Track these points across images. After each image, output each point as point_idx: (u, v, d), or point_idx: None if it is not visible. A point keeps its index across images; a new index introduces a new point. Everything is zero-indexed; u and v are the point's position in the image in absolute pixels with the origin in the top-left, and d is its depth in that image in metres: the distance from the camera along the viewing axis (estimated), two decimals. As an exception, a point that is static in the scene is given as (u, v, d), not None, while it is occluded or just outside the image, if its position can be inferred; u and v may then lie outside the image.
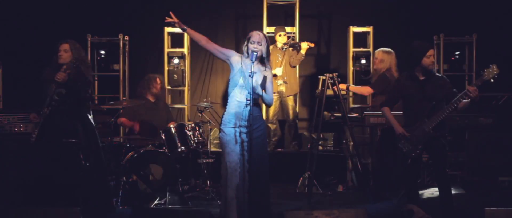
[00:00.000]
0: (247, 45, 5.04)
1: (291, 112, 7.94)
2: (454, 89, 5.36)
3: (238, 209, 4.96)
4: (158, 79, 7.14)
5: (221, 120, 5.10)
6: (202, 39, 5.12)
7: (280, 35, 7.88)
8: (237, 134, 5.00)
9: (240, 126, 5.01)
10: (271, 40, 8.02)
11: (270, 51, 7.80)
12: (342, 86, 6.80)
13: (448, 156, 5.52)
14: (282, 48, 7.83)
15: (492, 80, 5.13)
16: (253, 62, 4.89)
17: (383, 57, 6.79)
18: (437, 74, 5.51)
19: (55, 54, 5.46)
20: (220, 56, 5.14)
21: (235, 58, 5.08)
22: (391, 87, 6.20)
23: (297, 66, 8.10)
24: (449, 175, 5.45)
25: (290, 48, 7.83)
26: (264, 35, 5.09)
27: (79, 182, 5.34)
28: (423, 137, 5.29)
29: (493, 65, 5.11)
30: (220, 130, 5.10)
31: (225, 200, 5.02)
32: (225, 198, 5.02)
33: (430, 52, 5.32)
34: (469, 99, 5.18)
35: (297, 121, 8.18)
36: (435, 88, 5.31)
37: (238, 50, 5.19)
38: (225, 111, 5.10)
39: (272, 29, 8.40)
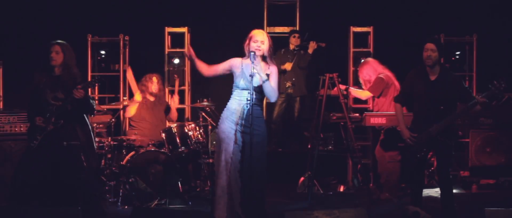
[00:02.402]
0: (249, 44, 5.05)
1: (296, 113, 7.96)
2: (467, 87, 5.29)
3: (227, 207, 4.97)
4: (154, 78, 7.09)
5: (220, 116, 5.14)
6: (203, 68, 5.17)
7: (294, 37, 7.94)
8: (233, 133, 5.01)
9: (237, 124, 5.02)
10: (285, 42, 8.07)
11: (283, 53, 7.87)
12: (342, 87, 6.80)
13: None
14: (294, 50, 7.86)
15: (499, 96, 5.07)
16: (253, 63, 4.89)
17: (365, 70, 6.80)
18: (450, 73, 5.35)
19: (46, 57, 5.36)
20: (224, 73, 5.17)
21: (235, 64, 5.10)
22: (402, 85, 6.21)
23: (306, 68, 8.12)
24: (450, 176, 5.43)
25: (301, 51, 7.86)
26: (267, 34, 5.10)
27: (80, 183, 5.34)
28: (430, 140, 5.24)
29: (501, 80, 5.02)
30: (217, 126, 5.13)
31: (213, 197, 5.07)
32: (213, 195, 5.07)
33: (427, 45, 5.18)
34: (479, 106, 5.12)
35: (300, 122, 8.18)
36: (446, 90, 5.18)
37: (239, 52, 5.19)
38: (224, 108, 5.13)
39: (272, 29, 8.42)
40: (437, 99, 5.19)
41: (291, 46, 7.96)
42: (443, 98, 5.19)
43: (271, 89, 5.01)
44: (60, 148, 5.28)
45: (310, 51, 7.79)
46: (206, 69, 5.18)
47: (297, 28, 8.32)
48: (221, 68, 5.16)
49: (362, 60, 7.05)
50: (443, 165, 5.34)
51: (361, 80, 6.95)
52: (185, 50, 5.32)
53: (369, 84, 6.77)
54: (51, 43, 5.43)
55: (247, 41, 5.07)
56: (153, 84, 7.01)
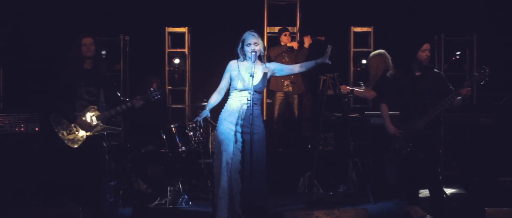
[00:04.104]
0: (242, 48, 5.07)
1: (296, 112, 7.96)
2: (451, 87, 5.37)
3: (228, 208, 4.98)
4: (154, 84, 7.09)
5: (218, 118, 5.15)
6: (217, 98, 5.23)
7: (285, 35, 7.91)
8: (232, 134, 5.01)
9: (237, 125, 5.02)
10: (275, 40, 8.07)
11: (275, 51, 7.87)
12: (346, 89, 6.79)
13: (444, 155, 5.52)
14: (288, 49, 7.85)
15: (482, 83, 5.15)
16: (253, 62, 4.93)
17: (376, 61, 6.80)
18: (434, 70, 5.51)
19: (77, 49, 5.37)
20: (229, 82, 5.16)
21: (232, 68, 5.11)
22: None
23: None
24: (439, 174, 5.45)
25: (295, 47, 7.85)
26: (257, 33, 5.11)
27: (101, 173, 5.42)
28: (414, 134, 5.32)
29: (485, 67, 5.13)
30: (216, 128, 5.14)
31: (214, 199, 5.08)
32: (214, 196, 5.08)
33: (425, 46, 5.33)
34: (461, 98, 5.19)
35: (300, 121, 8.18)
36: (429, 85, 5.32)
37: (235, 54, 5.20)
38: (223, 109, 5.14)
39: (273, 29, 8.41)
40: (422, 93, 5.32)
41: (282, 44, 7.94)
42: (428, 93, 5.32)
43: (302, 69, 5.41)
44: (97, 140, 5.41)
45: (306, 45, 7.79)
46: (219, 97, 5.22)
47: (288, 26, 8.28)
48: (225, 82, 5.18)
49: (376, 51, 7.02)
50: (430, 164, 5.41)
51: (369, 68, 6.92)
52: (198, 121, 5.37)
53: (373, 77, 6.78)
54: (83, 35, 5.44)
55: (240, 45, 5.09)
56: (153, 86, 6.99)
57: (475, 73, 5.22)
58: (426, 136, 5.32)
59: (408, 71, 5.44)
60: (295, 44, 7.80)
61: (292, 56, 7.84)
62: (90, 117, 5.34)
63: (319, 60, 5.27)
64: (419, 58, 5.33)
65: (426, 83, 5.33)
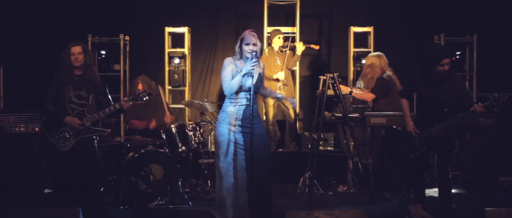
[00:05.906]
0: (240, 46, 5.03)
1: (291, 113, 7.94)
2: (468, 90, 5.37)
3: (233, 207, 4.96)
4: (140, 85, 7.02)
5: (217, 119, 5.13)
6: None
7: (278, 38, 7.88)
8: (232, 134, 4.99)
9: (235, 125, 5.00)
10: (267, 43, 8.07)
11: (268, 53, 7.88)
12: (345, 89, 6.79)
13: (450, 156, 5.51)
14: (281, 51, 7.83)
15: (495, 110, 5.11)
16: (255, 62, 4.92)
17: (372, 62, 6.82)
18: (454, 75, 5.38)
19: (66, 57, 5.46)
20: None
21: (231, 66, 5.07)
22: (392, 87, 6.21)
23: (297, 68, 8.10)
24: (449, 174, 5.44)
25: (288, 51, 7.83)
26: (257, 33, 5.08)
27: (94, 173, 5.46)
28: (429, 140, 5.30)
29: (505, 94, 5.04)
30: (215, 129, 5.13)
31: (218, 200, 5.05)
32: (218, 197, 5.05)
33: (445, 61, 5.20)
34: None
35: (297, 121, 8.19)
36: (448, 93, 5.26)
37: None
38: (221, 109, 5.12)
39: (272, 29, 8.41)
40: (441, 101, 5.27)
41: (276, 47, 7.90)
42: (447, 100, 5.27)
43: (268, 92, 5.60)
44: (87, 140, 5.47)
45: (298, 52, 7.77)
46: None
47: (288, 26, 8.28)
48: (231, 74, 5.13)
49: (374, 53, 7.03)
50: (441, 163, 5.42)
51: (366, 70, 6.91)
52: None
53: (369, 79, 6.79)
54: (72, 44, 5.51)
55: (239, 43, 5.05)
56: (139, 87, 6.96)
57: (495, 94, 5.07)
58: (440, 142, 5.31)
59: (427, 75, 5.30)
60: (281, 76, 7.78)
61: (282, 59, 7.82)
62: (79, 119, 5.42)
63: (281, 98, 5.36)
64: (437, 71, 5.23)
65: (445, 91, 5.25)
